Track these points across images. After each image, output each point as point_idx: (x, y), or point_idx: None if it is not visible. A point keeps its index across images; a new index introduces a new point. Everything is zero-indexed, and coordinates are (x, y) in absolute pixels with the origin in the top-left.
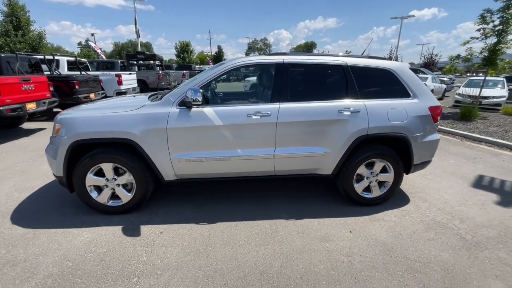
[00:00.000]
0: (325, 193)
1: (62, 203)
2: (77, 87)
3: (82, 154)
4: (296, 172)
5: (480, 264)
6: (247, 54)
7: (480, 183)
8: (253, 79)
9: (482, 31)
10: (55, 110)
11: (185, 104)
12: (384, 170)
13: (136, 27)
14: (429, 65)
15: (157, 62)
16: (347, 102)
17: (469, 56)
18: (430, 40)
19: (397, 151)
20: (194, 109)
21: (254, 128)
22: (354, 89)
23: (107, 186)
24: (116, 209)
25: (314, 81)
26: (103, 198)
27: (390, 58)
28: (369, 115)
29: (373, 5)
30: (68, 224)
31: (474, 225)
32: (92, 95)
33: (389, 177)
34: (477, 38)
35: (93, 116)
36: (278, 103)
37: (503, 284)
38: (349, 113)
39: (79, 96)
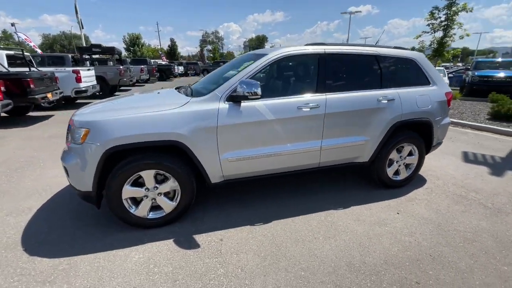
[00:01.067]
0: (355, 180)
1: (78, 222)
2: (32, 86)
3: (113, 163)
4: (338, 162)
5: None
6: (201, 47)
7: (468, 158)
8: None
9: (431, 26)
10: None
11: (234, 99)
12: (410, 153)
13: (77, 17)
14: None
15: (116, 56)
16: (383, 91)
17: (421, 48)
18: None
19: (420, 134)
20: (244, 103)
21: (304, 120)
22: (387, 78)
23: (147, 196)
24: (158, 222)
25: (353, 71)
26: (142, 210)
27: None
28: (402, 102)
29: (317, 1)
30: (104, 246)
31: (487, 195)
32: (49, 95)
33: (414, 159)
34: (428, 32)
35: (131, 117)
36: (324, 94)
37: None
38: (386, 101)
39: (36, 96)
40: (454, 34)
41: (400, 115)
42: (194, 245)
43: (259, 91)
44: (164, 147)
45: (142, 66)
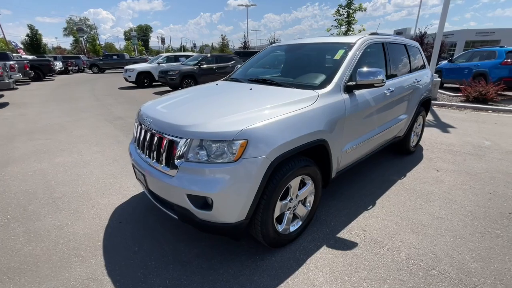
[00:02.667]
0: (381, 156)
1: (177, 256)
2: None
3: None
4: (390, 140)
5: None
6: (76, 37)
7: (445, 128)
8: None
9: (337, 21)
10: None
11: (350, 88)
12: (419, 124)
13: None
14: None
15: None
16: (413, 74)
17: None
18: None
19: (425, 108)
20: (356, 92)
21: (388, 104)
22: (411, 63)
23: (289, 208)
24: (296, 234)
25: (397, 58)
26: (286, 225)
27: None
28: (422, 83)
29: None
30: (275, 279)
31: (496, 152)
32: None
33: (420, 128)
34: (335, 27)
35: (283, 119)
36: (390, 79)
37: None
38: (417, 82)
39: None
40: (353, 29)
41: (421, 94)
42: (350, 243)
43: (384, 77)
44: (308, 149)
45: (9, 63)
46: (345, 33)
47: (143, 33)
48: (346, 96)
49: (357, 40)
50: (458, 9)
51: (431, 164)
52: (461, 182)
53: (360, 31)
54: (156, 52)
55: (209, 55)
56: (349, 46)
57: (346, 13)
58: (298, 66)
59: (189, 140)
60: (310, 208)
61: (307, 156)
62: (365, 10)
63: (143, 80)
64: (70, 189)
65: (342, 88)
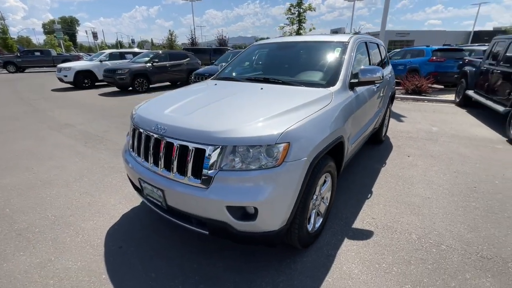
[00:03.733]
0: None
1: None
2: None
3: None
4: (372, 132)
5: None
6: None
7: (398, 118)
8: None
9: (289, 19)
10: None
11: (352, 85)
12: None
13: None
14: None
15: None
16: (385, 70)
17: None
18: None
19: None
20: (357, 89)
21: (375, 99)
22: (382, 60)
23: (315, 206)
24: (317, 233)
25: (375, 56)
26: (313, 224)
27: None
28: (391, 78)
29: None
30: (315, 280)
31: (444, 136)
32: None
33: (388, 118)
34: (288, 25)
35: (313, 118)
36: None
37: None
38: (388, 77)
39: None
40: (304, 27)
41: (392, 88)
42: (367, 232)
43: (382, 74)
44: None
45: None
46: (297, 32)
47: (68, 26)
48: (351, 92)
49: (350, 39)
50: (379, 12)
51: (401, 151)
52: (430, 164)
53: (310, 30)
54: (87, 48)
55: (161, 52)
56: (344, 45)
57: (297, 12)
58: (296, 64)
59: (222, 147)
60: (328, 204)
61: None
62: (314, 10)
63: (83, 80)
64: (35, 216)
65: (347, 85)
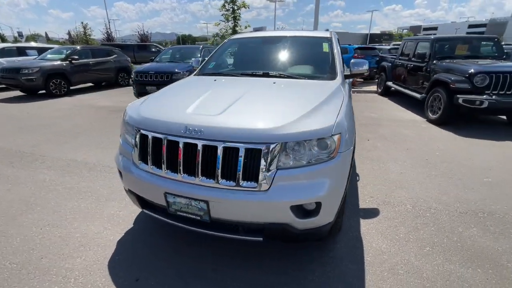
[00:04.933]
0: None
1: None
2: None
3: None
4: None
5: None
6: None
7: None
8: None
9: (224, 16)
10: None
11: (344, 78)
12: None
13: None
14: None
15: None
16: None
17: (226, 34)
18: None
19: None
20: (347, 81)
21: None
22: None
23: None
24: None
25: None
26: None
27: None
28: None
29: None
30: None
31: (384, 120)
32: None
33: None
34: (223, 21)
35: (344, 110)
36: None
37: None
38: None
39: None
40: (240, 24)
41: None
42: (374, 210)
43: (368, 67)
44: None
45: None
46: (233, 28)
47: None
48: (346, 85)
49: (331, 35)
50: (291, 13)
51: (360, 136)
52: (386, 145)
53: (246, 27)
54: None
55: (79, 47)
56: (329, 40)
57: (231, 9)
58: (289, 58)
59: (279, 144)
60: None
61: None
62: (248, 7)
63: None
64: None
65: (343, 77)
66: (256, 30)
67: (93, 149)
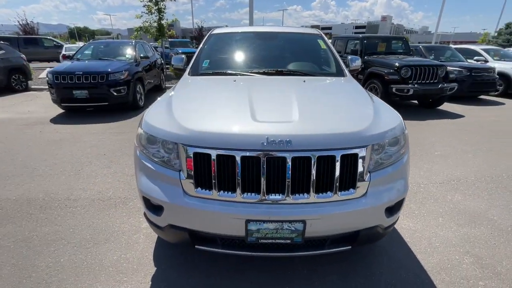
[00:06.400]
0: None
1: None
2: None
3: None
4: None
5: None
6: None
7: None
8: None
9: (146, 7)
10: None
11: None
12: None
13: None
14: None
15: None
16: None
17: (150, 28)
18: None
19: None
20: None
21: None
22: None
23: None
24: None
25: None
26: None
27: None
28: None
29: None
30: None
31: None
32: None
33: None
34: (146, 13)
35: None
36: None
37: None
38: None
39: None
40: (166, 17)
41: None
42: None
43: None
44: None
45: None
46: (158, 22)
47: None
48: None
49: (319, 32)
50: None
51: None
52: None
53: (173, 21)
54: None
55: None
56: (321, 37)
57: (154, 0)
58: (293, 54)
59: (370, 147)
60: None
61: None
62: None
63: None
64: None
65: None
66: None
67: (28, 178)
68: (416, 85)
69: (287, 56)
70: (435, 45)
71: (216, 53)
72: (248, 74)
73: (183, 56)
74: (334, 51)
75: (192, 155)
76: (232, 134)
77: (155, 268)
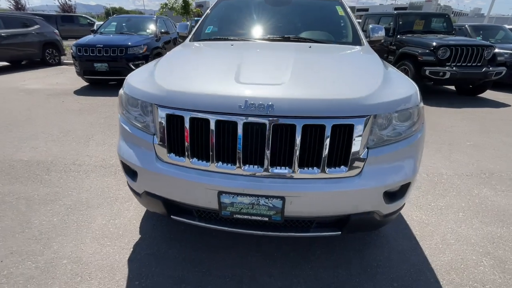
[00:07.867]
0: None
1: None
2: None
3: None
4: None
5: None
6: None
7: None
8: None
9: None
10: None
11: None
12: None
13: None
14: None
15: None
16: None
17: (176, 5)
18: None
19: None
20: None
21: None
22: None
23: None
24: None
25: None
26: None
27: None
28: None
29: None
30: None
31: None
32: None
33: None
34: None
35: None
36: None
37: None
38: None
39: None
40: None
41: None
42: None
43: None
44: None
45: None
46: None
47: None
48: None
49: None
50: None
51: None
52: None
53: None
54: None
55: None
56: (340, 3)
57: None
58: (306, 21)
59: (371, 118)
60: None
61: None
62: None
63: None
64: None
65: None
66: (199, 5)
67: (42, 143)
68: (454, 68)
69: (298, 23)
70: (485, 24)
71: (222, 19)
72: (251, 40)
73: (188, 23)
74: (353, 18)
75: (165, 117)
76: (206, 95)
77: (140, 235)
